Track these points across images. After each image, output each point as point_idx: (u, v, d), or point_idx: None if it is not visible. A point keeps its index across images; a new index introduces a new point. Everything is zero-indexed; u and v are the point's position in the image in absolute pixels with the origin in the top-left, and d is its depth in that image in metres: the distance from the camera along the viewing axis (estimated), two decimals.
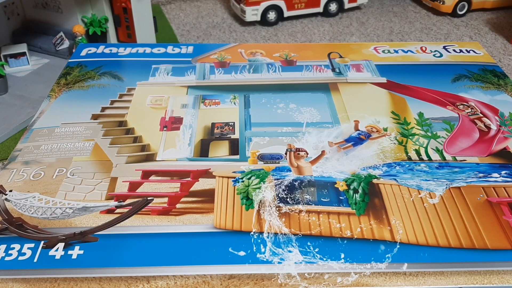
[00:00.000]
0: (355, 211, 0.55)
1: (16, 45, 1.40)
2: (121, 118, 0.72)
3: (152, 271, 0.48)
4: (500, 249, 0.51)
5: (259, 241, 0.51)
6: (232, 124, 0.71)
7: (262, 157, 0.64)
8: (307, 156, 0.63)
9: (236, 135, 0.69)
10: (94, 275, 0.48)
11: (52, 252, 0.50)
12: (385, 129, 0.69)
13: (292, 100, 0.76)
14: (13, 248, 0.50)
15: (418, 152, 0.65)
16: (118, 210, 0.55)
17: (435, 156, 0.64)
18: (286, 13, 1.78)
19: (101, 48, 0.91)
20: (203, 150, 0.66)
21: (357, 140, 0.67)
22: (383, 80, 0.81)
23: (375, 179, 0.59)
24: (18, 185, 0.59)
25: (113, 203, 0.56)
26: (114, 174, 0.61)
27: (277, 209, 0.55)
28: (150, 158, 0.64)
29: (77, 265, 0.48)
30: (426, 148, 0.66)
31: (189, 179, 0.60)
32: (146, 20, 1.50)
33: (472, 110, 0.73)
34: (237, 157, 0.65)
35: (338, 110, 0.73)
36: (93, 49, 0.91)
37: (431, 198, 0.56)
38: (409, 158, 0.64)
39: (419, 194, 0.57)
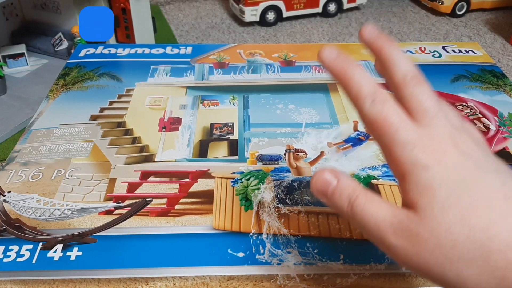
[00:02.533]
0: None
1: (14, 46, 1.40)
2: (120, 119, 0.72)
3: (151, 273, 0.48)
4: None
5: (258, 242, 0.51)
6: (231, 124, 0.71)
7: (261, 158, 0.63)
8: (306, 157, 0.63)
9: (235, 136, 0.69)
10: (92, 276, 0.48)
11: (50, 254, 0.50)
12: None
13: (291, 100, 0.75)
14: (12, 250, 0.50)
15: None
16: (116, 211, 0.55)
17: None
18: (285, 14, 1.78)
19: (99, 49, 0.91)
20: (202, 151, 0.66)
21: (356, 140, 0.67)
22: (382, 80, 0.81)
23: (374, 180, 0.59)
24: (16, 186, 0.59)
25: (111, 204, 0.56)
26: (113, 175, 0.61)
27: (276, 210, 0.55)
28: (149, 159, 0.64)
29: (76, 266, 0.48)
30: None
31: (188, 180, 0.60)
32: (145, 21, 1.50)
33: (471, 110, 0.73)
34: (236, 158, 0.65)
35: (337, 111, 0.73)
36: (91, 50, 0.91)
37: None
38: None
39: None
